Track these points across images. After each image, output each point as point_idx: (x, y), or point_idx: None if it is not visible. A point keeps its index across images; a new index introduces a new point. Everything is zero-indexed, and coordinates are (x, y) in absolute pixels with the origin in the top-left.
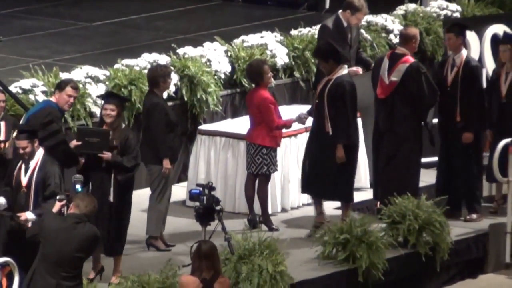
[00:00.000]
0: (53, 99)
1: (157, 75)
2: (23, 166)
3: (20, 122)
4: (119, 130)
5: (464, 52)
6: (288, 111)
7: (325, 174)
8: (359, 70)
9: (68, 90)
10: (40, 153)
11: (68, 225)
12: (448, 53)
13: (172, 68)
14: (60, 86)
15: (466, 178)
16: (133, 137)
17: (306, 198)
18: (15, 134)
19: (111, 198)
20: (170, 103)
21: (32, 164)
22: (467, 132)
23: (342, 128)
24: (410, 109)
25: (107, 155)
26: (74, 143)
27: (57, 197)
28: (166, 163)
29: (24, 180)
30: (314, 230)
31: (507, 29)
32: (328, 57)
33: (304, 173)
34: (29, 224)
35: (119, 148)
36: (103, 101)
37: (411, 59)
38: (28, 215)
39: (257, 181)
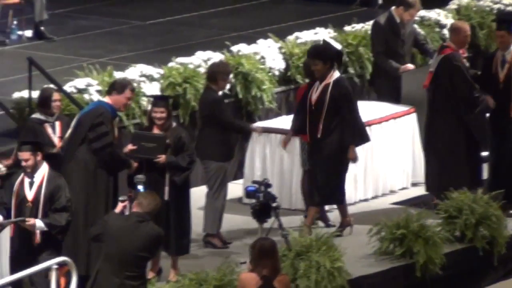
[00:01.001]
0: (106, 99)
1: (218, 71)
2: (26, 180)
3: (73, 122)
4: (171, 129)
5: None
6: None
7: (327, 179)
8: (412, 66)
9: (128, 93)
10: (45, 167)
11: (131, 224)
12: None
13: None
14: (117, 87)
15: None
16: (186, 136)
17: (363, 193)
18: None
19: (166, 197)
20: (225, 101)
21: (38, 178)
22: None
23: (355, 129)
24: (450, 102)
25: (161, 158)
26: (129, 147)
27: (119, 198)
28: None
29: (29, 194)
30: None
31: None
32: (328, 59)
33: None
34: (37, 232)
35: (173, 147)
36: (151, 104)
37: (449, 51)
38: (37, 223)
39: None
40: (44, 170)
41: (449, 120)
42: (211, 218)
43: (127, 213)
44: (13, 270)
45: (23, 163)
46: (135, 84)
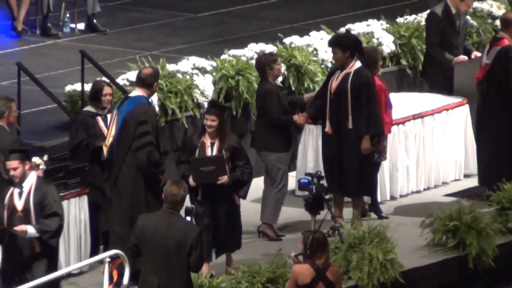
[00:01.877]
0: (141, 92)
1: (262, 64)
2: (15, 191)
3: (115, 120)
4: (227, 140)
5: None
6: (395, 99)
7: (355, 170)
8: (465, 58)
9: (156, 85)
10: (33, 175)
11: (161, 222)
12: None
13: (278, 54)
14: (150, 80)
15: None
16: (239, 145)
17: (415, 185)
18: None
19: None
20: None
21: (26, 187)
22: None
23: (370, 120)
24: (504, 95)
25: (224, 179)
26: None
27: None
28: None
29: (19, 204)
30: (332, 232)
31: None
32: (347, 48)
33: (335, 175)
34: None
35: (230, 158)
36: (204, 112)
37: (506, 42)
38: (29, 229)
39: None
40: (32, 179)
41: (502, 112)
42: (272, 208)
43: None
44: (3, 282)
45: (11, 172)
46: (187, 77)
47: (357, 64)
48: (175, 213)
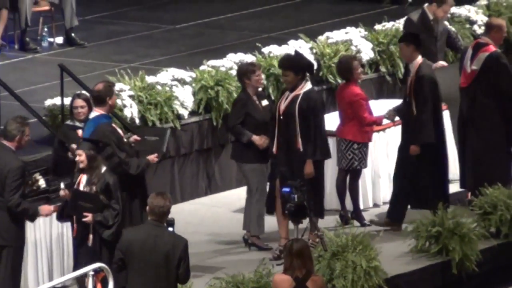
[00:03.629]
0: (99, 111)
1: (241, 74)
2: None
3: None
4: (99, 175)
5: None
6: (375, 106)
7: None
8: (444, 63)
9: (114, 97)
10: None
11: (149, 235)
12: None
13: (258, 64)
14: (111, 92)
15: None
16: (114, 183)
17: None
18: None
19: None
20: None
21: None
22: None
23: (317, 144)
24: (492, 99)
25: (88, 218)
26: (134, 137)
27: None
28: (256, 139)
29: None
30: (278, 256)
31: None
32: (299, 70)
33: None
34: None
35: (99, 193)
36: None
37: (492, 48)
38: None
39: (348, 177)
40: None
41: (489, 117)
42: (256, 219)
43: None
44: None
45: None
46: (167, 88)
47: (307, 85)
48: (161, 225)
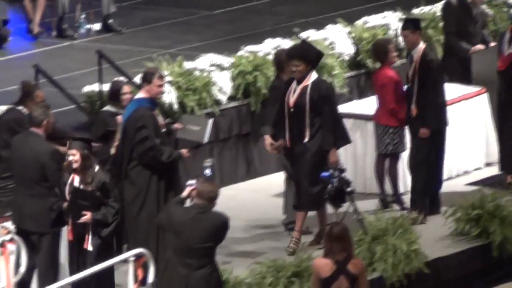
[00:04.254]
0: (142, 94)
1: (282, 60)
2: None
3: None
4: (92, 174)
5: None
6: None
7: (306, 185)
8: (482, 47)
9: (156, 81)
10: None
11: (192, 217)
12: None
13: None
14: (146, 78)
15: None
16: (110, 181)
17: None
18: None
19: None
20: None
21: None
22: None
23: (337, 132)
24: None
25: (86, 217)
26: (176, 125)
27: (187, 183)
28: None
29: None
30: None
31: None
32: (311, 61)
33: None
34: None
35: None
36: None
37: None
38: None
39: (386, 161)
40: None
41: None
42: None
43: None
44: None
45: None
46: (205, 74)
47: (314, 75)
48: (207, 208)
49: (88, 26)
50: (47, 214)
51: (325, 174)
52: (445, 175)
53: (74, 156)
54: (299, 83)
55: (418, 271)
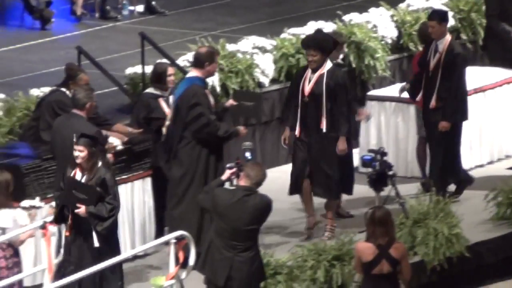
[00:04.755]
0: (195, 73)
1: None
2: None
3: (171, 103)
4: (96, 171)
5: None
6: None
7: (330, 172)
8: None
9: (217, 59)
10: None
11: (238, 199)
12: None
13: (343, 35)
14: (207, 58)
15: None
16: (110, 179)
17: (479, 159)
18: None
19: None
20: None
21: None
22: None
23: (348, 120)
24: None
25: (81, 210)
26: (230, 102)
27: (227, 165)
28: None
29: None
30: (311, 232)
31: None
32: (327, 51)
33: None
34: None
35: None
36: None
37: None
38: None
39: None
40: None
41: None
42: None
43: (235, 181)
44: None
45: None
46: (247, 56)
47: (329, 63)
48: (252, 191)
49: (131, 7)
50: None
51: (367, 157)
52: (486, 159)
53: (81, 152)
54: (314, 71)
55: (459, 255)
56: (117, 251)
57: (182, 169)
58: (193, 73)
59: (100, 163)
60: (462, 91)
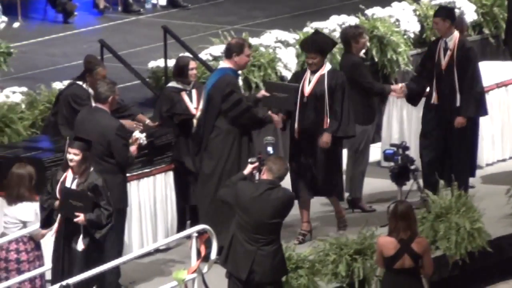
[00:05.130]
0: (227, 64)
1: (348, 37)
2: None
3: (203, 94)
4: (87, 176)
5: None
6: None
7: (330, 171)
8: None
9: (246, 50)
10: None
11: (261, 193)
12: None
13: (363, 27)
14: (236, 49)
15: None
16: (102, 185)
17: (501, 154)
18: None
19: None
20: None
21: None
22: None
23: (342, 121)
24: None
25: (80, 218)
26: (262, 92)
27: (249, 160)
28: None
29: None
30: (303, 239)
31: None
32: (327, 53)
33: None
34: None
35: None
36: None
37: None
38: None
39: None
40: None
41: None
42: (357, 181)
43: (257, 176)
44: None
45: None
46: (270, 50)
47: (328, 65)
48: (275, 184)
49: (154, 1)
50: (111, 190)
51: (389, 151)
52: (508, 154)
53: (76, 156)
54: (313, 73)
55: (481, 249)
56: (112, 254)
57: (212, 162)
58: (224, 64)
59: (91, 169)
60: (478, 85)
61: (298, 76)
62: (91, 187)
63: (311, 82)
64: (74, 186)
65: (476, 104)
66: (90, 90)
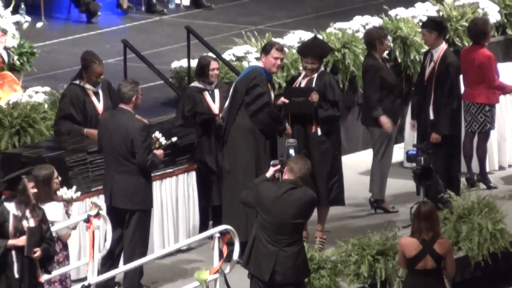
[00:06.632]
0: (259, 63)
1: (373, 38)
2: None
3: (231, 90)
4: (34, 206)
5: None
6: (502, 68)
7: (323, 177)
8: None
9: (273, 52)
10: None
11: (283, 193)
12: None
13: (386, 29)
14: (264, 50)
15: None
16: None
17: None
18: None
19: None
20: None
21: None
22: None
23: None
24: None
25: (37, 253)
26: (282, 99)
27: (271, 163)
28: (384, 122)
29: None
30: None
31: None
32: (324, 58)
33: None
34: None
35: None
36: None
37: None
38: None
39: (475, 140)
40: None
41: None
42: (379, 183)
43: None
44: None
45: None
46: (293, 51)
47: (321, 68)
48: (299, 184)
49: (177, 1)
50: (137, 191)
51: (412, 152)
52: None
53: (33, 189)
54: (305, 77)
55: (504, 250)
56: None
57: (231, 159)
58: (257, 62)
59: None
60: (454, 102)
61: (294, 81)
62: (42, 216)
63: (301, 85)
64: (31, 219)
65: (451, 122)
66: (87, 85)
